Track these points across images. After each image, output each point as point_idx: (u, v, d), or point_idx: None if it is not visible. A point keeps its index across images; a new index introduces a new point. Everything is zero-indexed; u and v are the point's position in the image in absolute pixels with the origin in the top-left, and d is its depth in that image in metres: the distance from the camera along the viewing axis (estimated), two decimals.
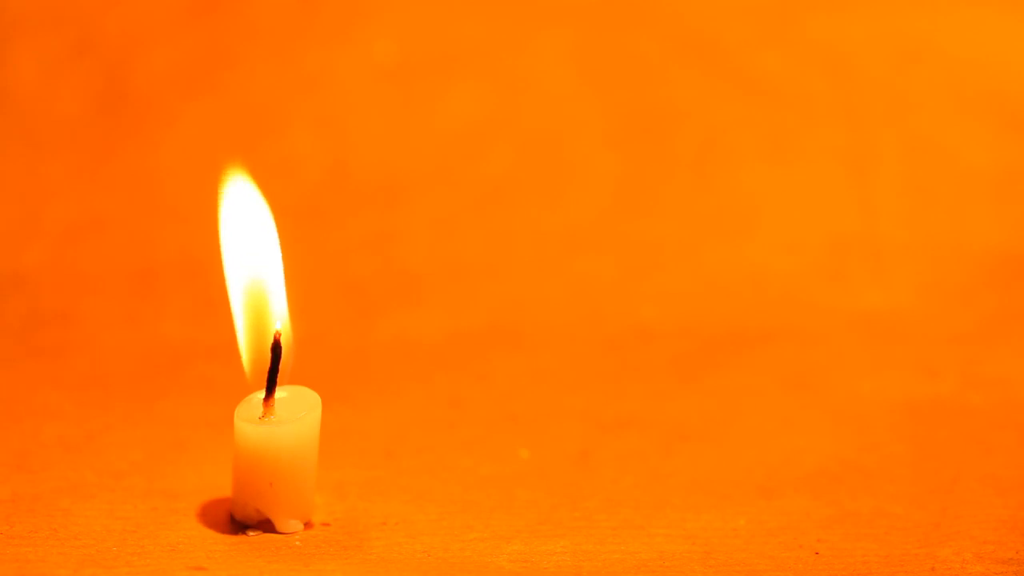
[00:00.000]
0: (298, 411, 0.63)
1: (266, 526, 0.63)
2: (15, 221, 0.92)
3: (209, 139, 0.96)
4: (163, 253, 0.92)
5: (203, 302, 0.88)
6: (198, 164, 0.95)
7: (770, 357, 0.85)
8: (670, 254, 0.94)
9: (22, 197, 0.93)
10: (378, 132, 0.97)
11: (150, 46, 0.97)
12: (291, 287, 0.64)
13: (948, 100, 0.98)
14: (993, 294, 0.92)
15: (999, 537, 0.63)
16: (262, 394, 0.63)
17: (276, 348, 0.63)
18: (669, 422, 0.77)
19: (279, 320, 0.64)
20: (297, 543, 0.62)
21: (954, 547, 0.63)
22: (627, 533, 0.64)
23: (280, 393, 0.63)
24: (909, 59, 0.99)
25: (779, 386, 0.81)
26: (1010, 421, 0.77)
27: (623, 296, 0.92)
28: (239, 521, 0.63)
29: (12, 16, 0.96)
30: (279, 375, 0.63)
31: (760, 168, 0.97)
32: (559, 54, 0.99)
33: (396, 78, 0.98)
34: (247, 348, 0.64)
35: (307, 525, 0.64)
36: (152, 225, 0.93)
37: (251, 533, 0.63)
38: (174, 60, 0.97)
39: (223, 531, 0.63)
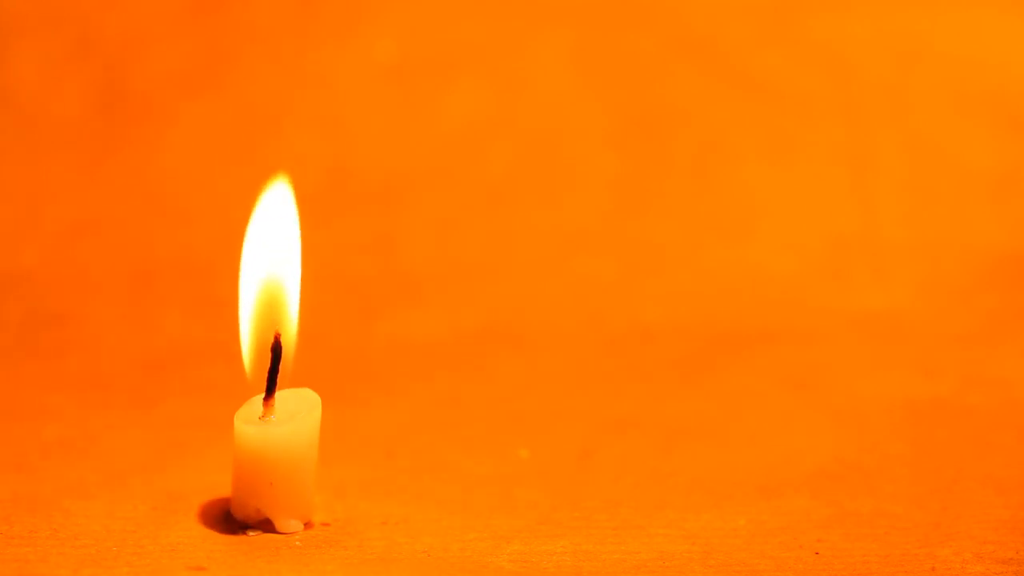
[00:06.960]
0: (298, 411, 0.63)
1: (266, 526, 0.63)
2: (15, 221, 0.92)
3: (209, 139, 0.96)
4: (163, 253, 0.92)
5: (203, 302, 0.88)
6: (198, 164, 0.95)
7: (770, 357, 0.85)
8: (670, 254, 0.94)
9: (22, 197, 0.93)
10: (378, 132, 0.97)
11: (150, 46, 0.97)
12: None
13: (948, 100, 0.98)
14: (993, 294, 0.92)
15: (999, 537, 0.63)
16: (263, 395, 0.63)
17: (276, 348, 0.63)
18: (669, 422, 0.77)
19: (289, 322, 0.64)
20: (297, 543, 0.62)
21: (954, 547, 0.63)
22: (627, 533, 0.64)
23: (280, 394, 0.63)
24: (909, 59, 0.99)
25: (779, 386, 0.81)
26: (1010, 421, 0.77)
27: (623, 296, 0.92)
28: (239, 521, 0.63)
29: (12, 16, 0.96)
30: (279, 376, 0.63)
31: (760, 168, 0.97)
32: (559, 54, 0.99)
33: (396, 78, 0.98)
34: (250, 348, 0.64)
35: (307, 525, 0.63)
36: (152, 225, 0.93)
37: (251, 533, 0.63)
38: (174, 60, 0.97)
39: (223, 531, 0.63)
